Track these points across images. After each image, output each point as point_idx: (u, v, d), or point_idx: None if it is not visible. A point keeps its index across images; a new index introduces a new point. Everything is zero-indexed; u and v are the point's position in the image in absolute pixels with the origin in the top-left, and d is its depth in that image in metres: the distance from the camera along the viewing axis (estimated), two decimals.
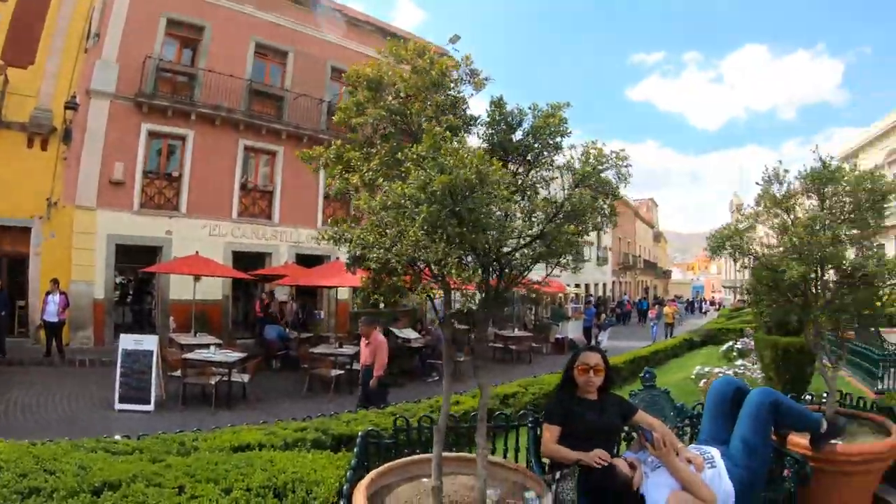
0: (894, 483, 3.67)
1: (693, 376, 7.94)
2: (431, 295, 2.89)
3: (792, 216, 3.54)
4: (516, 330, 19.19)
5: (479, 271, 2.65)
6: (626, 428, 3.48)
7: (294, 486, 2.85)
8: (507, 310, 20.44)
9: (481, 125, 2.89)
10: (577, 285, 32.21)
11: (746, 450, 3.09)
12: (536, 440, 3.30)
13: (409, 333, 14.73)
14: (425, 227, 2.30)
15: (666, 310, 25.28)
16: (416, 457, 3.37)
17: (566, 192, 2.52)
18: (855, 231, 3.51)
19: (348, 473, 3.02)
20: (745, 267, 3.76)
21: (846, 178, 3.41)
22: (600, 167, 2.53)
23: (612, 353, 14.64)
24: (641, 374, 4.04)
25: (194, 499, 2.67)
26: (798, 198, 3.60)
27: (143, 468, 3.00)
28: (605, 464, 2.88)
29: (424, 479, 3.14)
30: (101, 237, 15.15)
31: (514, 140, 2.79)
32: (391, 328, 14.34)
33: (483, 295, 2.76)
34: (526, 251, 2.63)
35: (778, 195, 3.54)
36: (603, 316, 22.20)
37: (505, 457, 3.73)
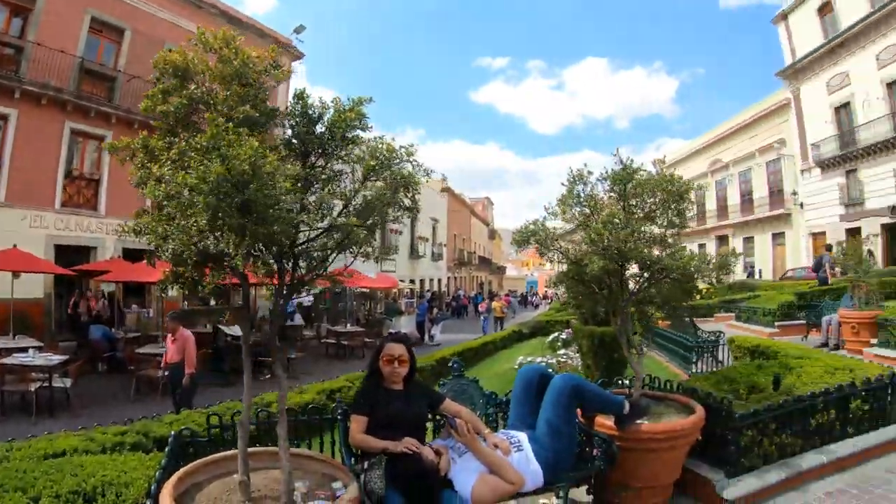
0: (702, 457, 4.02)
1: (517, 366, 8.25)
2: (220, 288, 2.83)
3: (597, 215, 3.79)
4: (349, 325, 19.03)
5: (273, 264, 2.63)
6: (436, 417, 3.58)
7: (104, 490, 2.80)
8: (340, 305, 20.38)
9: (288, 117, 2.88)
10: (413, 281, 32.76)
11: (551, 432, 3.28)
12: (346, 431, 3.33)
13: (238, 330, 14.02)
14: (207, 219, 2.27)
15: (494, 304, 25.82)
16: (225, 453, 3.29)
17: (356, 185, 2.55)
18: (656, 229, 3.81)
19: (157, 473, 2.93)
20: (560, 262, 3.97)
21: (649, 180, 3.69)
22: (388, 161, 2.58)
23: (445, 346, 15.09)
24: (450, 364, 4.16)
25: None
26: (602, 198, 3.84)
27: None
28: (415, 450, 2.94)
29: (236, 476, 3.09)
30: None
31: (314, 133, 2.79)
32: (220, 325, 13.85)
33: (278, 288, 2.75)
34: (323, 243, 2.64)
35: (582, 195, 3.77)
36: (435, 310, 22.43)
37: (321, 450, 3.74)
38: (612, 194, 3.82)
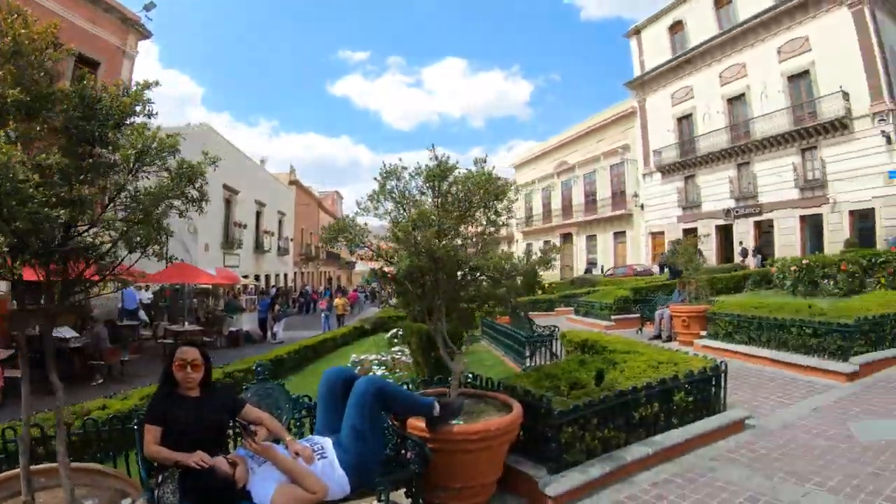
0: (525, 454, 4.06)
1: (349, 364, 7.93)
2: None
3: (410, 211, 3.74)
4: (187, 324, 17.78)
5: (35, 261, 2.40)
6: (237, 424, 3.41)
7: None
8: (179, 302, 19.57)
9: (64, 102, 2.64)
10: (258, 276, 32.12)
11: (355, 437, 3.18)
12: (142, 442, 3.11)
13: (67, 332, 12.64)
14: None
15: (337, 301, 24.83)
16: (8, 472, 3.01)
17: (126, 176, 2.36)
18: (474, 228, 3.82)
19: None
20: (372, 259, 3.90)
21: (468, 178, 3.67)
22: (159, 151, 2.41)
23: (287, 343, 14.71)
24: (254, 367, 3.99)
25: None
26: (416, 196, 3.80)
27: None
28: (205, 465, 2.77)
29: (20, 497, 2.81)
30: None
31: (91, 123, 2.57)
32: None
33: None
34: (93, 241, 2.43)
35: (396, 191, 3.72)
36: (277, 307, 21.95)
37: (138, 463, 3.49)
38: (426, 192, 3.76)
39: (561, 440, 3.85)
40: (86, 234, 2.44)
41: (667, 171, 31.14)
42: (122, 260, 2.69)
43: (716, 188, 28.07)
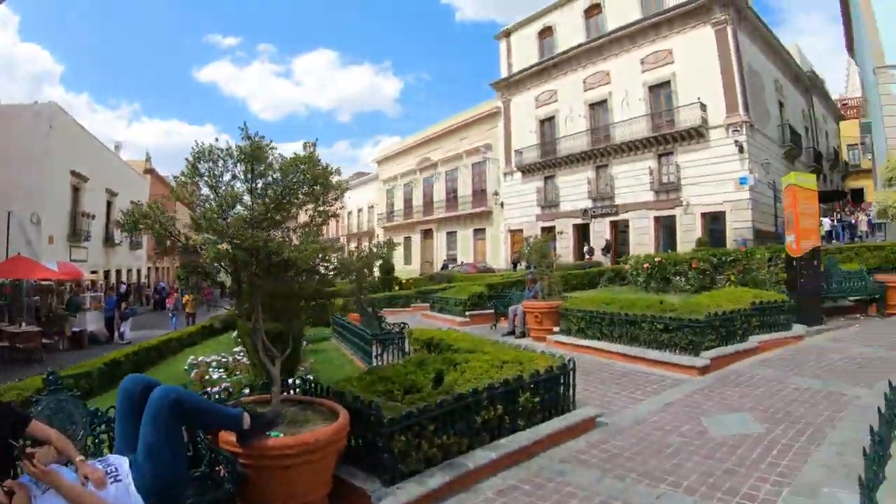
0: (357, 464, 3.73)
1: (186, 367, 7.00)
2: None
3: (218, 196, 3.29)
4: (24, 324, 16.20)
5: None
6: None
7: None
8: (20, 300, 17.81)
9: None
10: (108, 272, 30.04)
11: (150, 455, 2.72)
12: None
13: None
14: None
15: (185, 298, 22.96)
16: None
17: None
18: (302, 217, 3.43)
19: None
20: (177, 249, 3.39)
21: (288, 162, 3.28)
22: None
23: (136, 344, 13.65)
24: (45, 377, 3.33)
25: None
26: (227, 178, 3.35)
27: None
28: None
29: None
30: None
31: None
32: None
33: None
34: None
35: (207, 173, 3.25)
36: (124, 305, 20.53)
37: None
38: (237, 176, 3.32)
39: (394, 449, 3.57)
40: None
41: (528, 170, 32.51)
42: None
43: (575, 189, 29.68)
